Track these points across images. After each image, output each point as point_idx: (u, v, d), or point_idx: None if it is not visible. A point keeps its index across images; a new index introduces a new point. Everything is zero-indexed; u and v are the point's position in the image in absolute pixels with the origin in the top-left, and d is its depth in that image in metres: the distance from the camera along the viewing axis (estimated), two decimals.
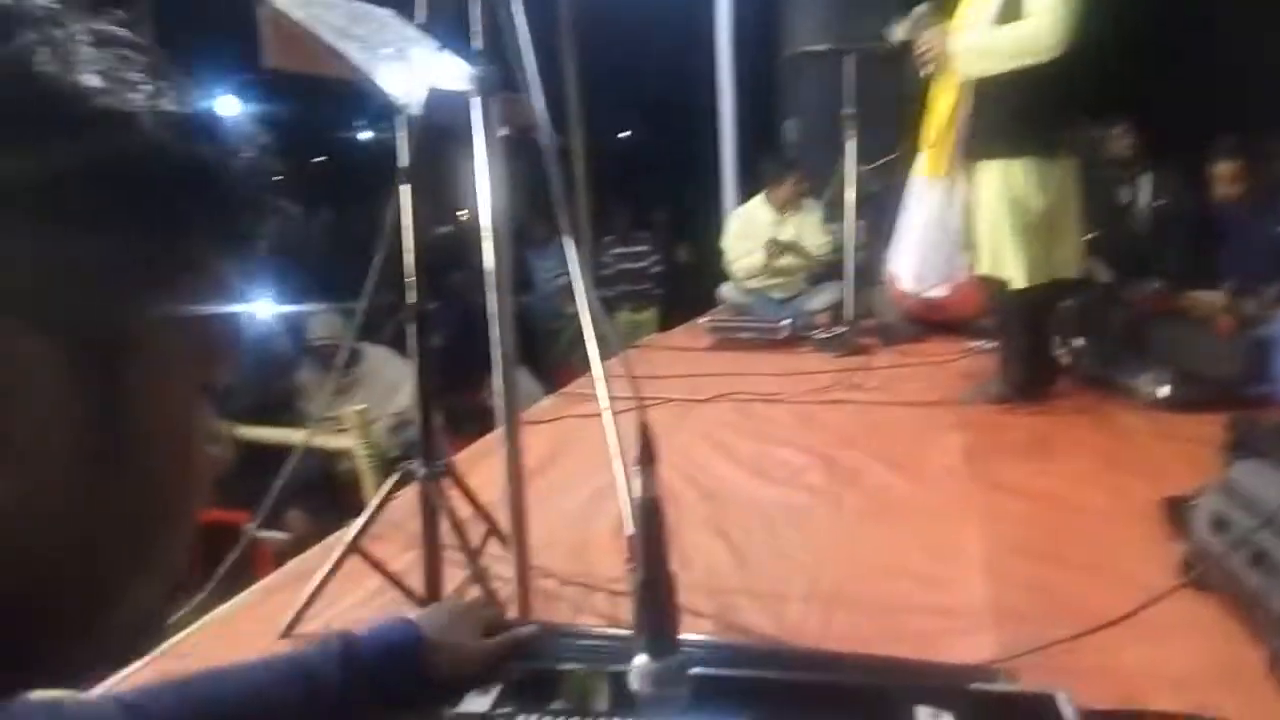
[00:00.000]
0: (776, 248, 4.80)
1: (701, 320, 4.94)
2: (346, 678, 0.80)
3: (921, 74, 3.09)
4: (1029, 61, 2.74)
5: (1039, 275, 2.94)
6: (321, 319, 4.52)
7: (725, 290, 5.08)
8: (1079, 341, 3.57)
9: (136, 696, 0.75)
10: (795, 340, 4.43)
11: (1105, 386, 3.32)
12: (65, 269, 0.35)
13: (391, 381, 4.69)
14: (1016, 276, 2.94)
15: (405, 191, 1.54)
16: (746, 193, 5.44)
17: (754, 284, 4.95)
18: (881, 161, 4.28)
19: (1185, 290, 3.84)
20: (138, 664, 1.68)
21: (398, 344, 4.10)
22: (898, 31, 3.26)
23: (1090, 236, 4.59)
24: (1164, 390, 3.06)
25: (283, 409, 4.09)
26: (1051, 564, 1.92)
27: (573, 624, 1.63)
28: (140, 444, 0.39)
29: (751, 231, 4.96)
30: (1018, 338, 3.13)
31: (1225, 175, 4.12)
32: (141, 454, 0.39)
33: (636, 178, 9.90)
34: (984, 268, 3.04)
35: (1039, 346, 3.18)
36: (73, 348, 0.35)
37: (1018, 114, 2.83)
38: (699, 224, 7.76)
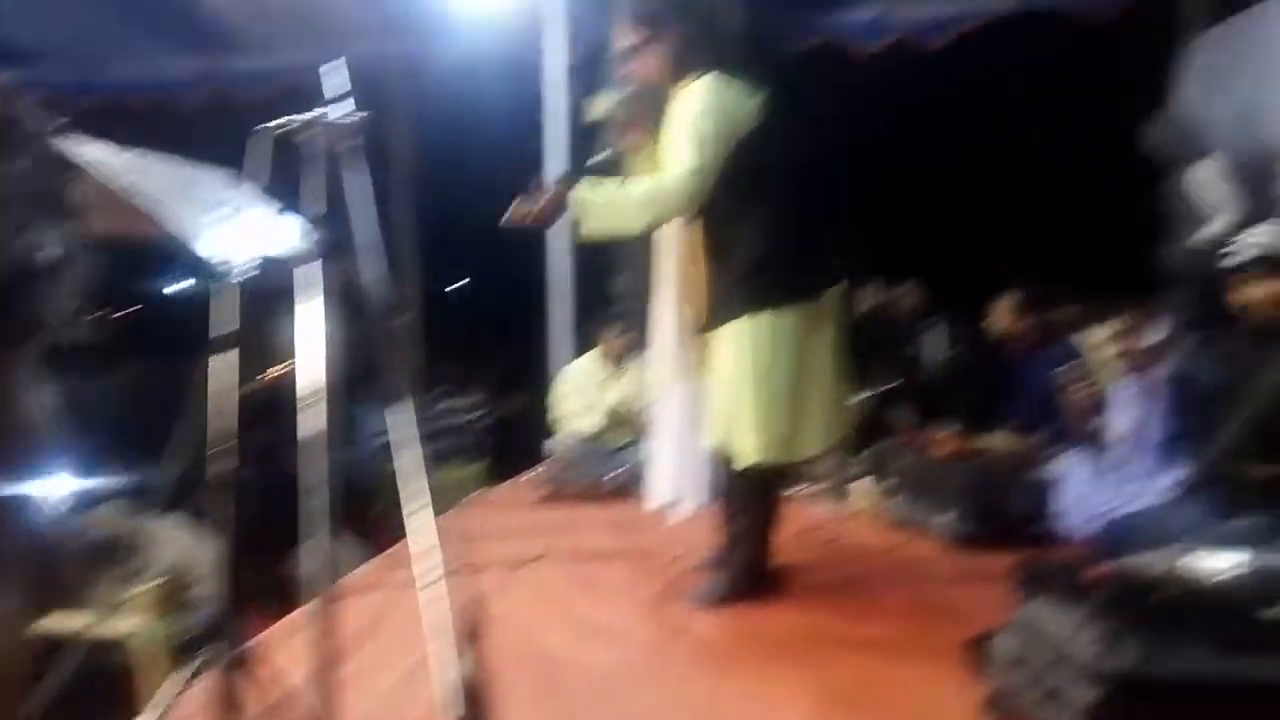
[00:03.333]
0: (617, 420, 4.83)
1: (530, 474, 4.88)
2: None
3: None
4: (657, 215, 2.50)
5: (775, 452, 2.53)
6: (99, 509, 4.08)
7: (554, 443, 5.02)
8: (881, 484, 3.78)
9: None
10: (630, 490, 4.38)
11: (907, 528, 3.50)
12: None
13: (177, 558, 4.17)
14: (745, 451, 2.52)
15: (222, 358, 1.48)
16: (581, 343, 5.45)
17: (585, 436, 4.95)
18: None
19: (979, 433, 4.16)
20: None
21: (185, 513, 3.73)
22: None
23: (893, 385, 4.96)
24: (962, 530, 3.26)
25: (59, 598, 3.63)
26: (868, 711, 1.99)
27: None
28: None
29: (583, 388, 4.97)
30: (743, 527, 2.66)
31: (1004, 313, 4.52)
32: None
33: (467, 331, 9.91)
34: (716, 440, 2.61)
35: (763, 540, 2.71)
36: None
37: (754, 263, 2.51)
38: (531, 375, 7.77)
